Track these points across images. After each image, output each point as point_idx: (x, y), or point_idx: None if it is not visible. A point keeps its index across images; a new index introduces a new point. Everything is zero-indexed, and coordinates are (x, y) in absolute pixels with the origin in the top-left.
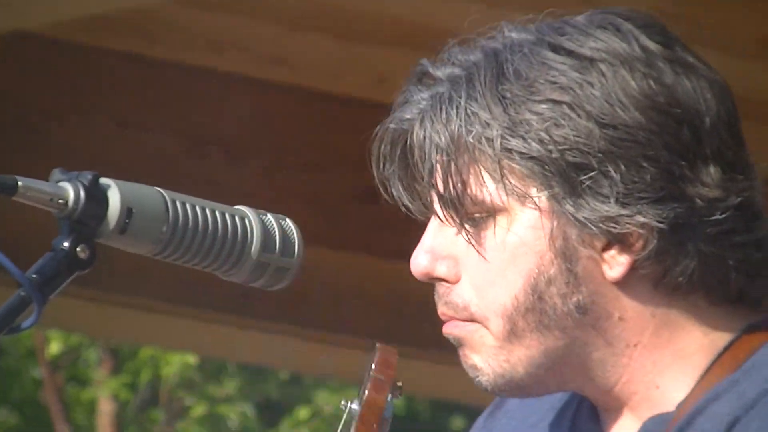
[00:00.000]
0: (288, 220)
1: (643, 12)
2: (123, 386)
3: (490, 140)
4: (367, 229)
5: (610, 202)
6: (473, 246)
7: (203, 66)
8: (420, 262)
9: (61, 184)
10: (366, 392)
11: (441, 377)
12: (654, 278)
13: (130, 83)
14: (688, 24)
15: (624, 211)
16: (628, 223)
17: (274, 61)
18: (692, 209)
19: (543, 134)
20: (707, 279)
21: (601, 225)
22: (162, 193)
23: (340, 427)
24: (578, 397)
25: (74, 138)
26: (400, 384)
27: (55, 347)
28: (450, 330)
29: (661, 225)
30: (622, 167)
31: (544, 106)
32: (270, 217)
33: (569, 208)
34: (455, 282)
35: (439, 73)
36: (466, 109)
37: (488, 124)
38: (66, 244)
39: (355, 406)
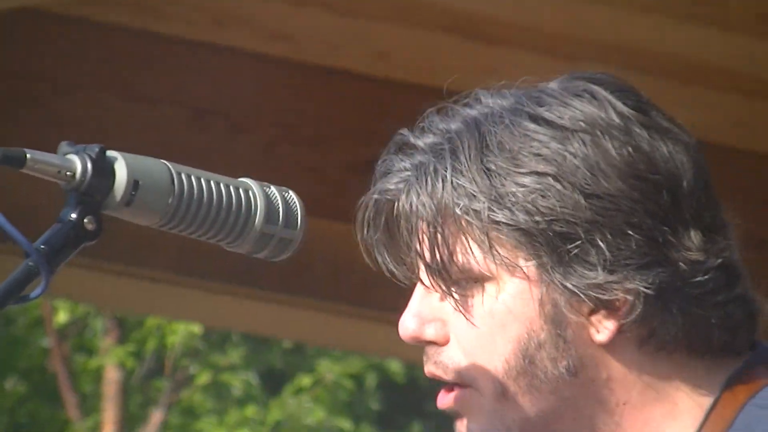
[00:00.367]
0: (291, 192)
1: (614, 76)
2: (129, 355)
3: (477, 212)
4: None
5: (597, 270)
6: (461, 312)
7: (207, 41)
8: (408, 326)
9: (68, 156)
10: None
11: None
12: (639, 339)
13: (136, 58)
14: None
15: (611, 278)
16: (615, 289)
17: (277, 36)
18: (676, 273)
19: (529, 206)
20: (691, 338)
21: (589, 292)
22: (168, 166)
23: None
24: None
25: (81, 112)
26: None
27: (62, 317)
28: (445, 403)
29: (647, 290)
30: (608, 235)
31: (529, 178)
32: (273, 190)
33: (558, 276)
34: (444, 344)
35: (420, 142)
36: (452, 182)
37: (475, 197)
38: (73, 215)
39: None
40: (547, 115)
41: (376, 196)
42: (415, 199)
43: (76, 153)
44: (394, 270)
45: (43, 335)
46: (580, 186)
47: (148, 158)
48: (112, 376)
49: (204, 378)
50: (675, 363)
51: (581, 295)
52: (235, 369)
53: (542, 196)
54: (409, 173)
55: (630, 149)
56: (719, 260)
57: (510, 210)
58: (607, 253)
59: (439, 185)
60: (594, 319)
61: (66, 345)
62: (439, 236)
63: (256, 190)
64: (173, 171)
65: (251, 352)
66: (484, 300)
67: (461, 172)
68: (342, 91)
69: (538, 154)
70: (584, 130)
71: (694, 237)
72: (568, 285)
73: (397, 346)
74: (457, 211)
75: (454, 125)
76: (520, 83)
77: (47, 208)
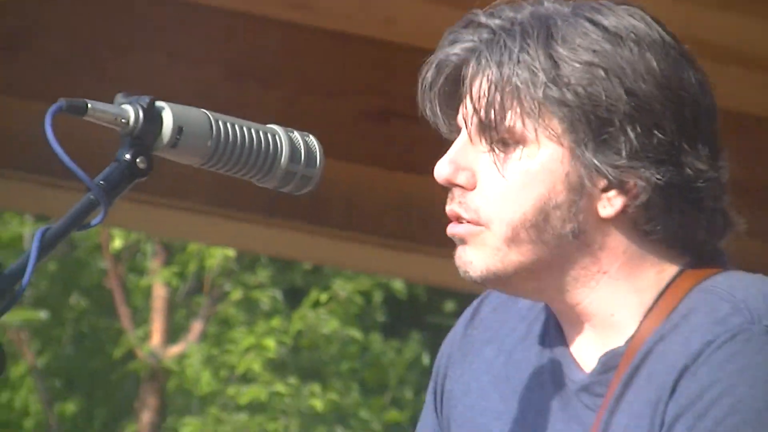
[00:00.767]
0: (311, 136)
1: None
2: (173, 275)
3: (535, 85)
4: (377, 145)
5: (621, 154)
6: (497, 164)
7: (238, 10)
8: (444, 169)
9: (123, 106)
10: None
11: (437, 267)
12: (635, 222)
13: (178, 23)
14: None
15: (631, 164)
16: (632, 173)
17: (298, 5)
18: (683, 175)
19: (580, 89)
20: (678, 232)
21: (610, 169)
22: (207, 114)
23: None
24: (545, 314)
25: (133, 69)
26: None
27: (117, 242)
28: (454, 230)
29: (658, 181)
30: (638, 128)
31: (583, 67)
32: (296, 134)
33: (589, 152)
34: (471, 189)
35: (491, 22)
36: (518, 57)
37: (536, 73)
38: (127, 156)
39: None
40: (605, 21)
41: (441, 56)
42: (484, 62)
43: (130, 103)
44: (442, 123)
45: (101, 258)
46: (623, 83)
47: (191, 108)
48: (159, 293)
49: (237, 294)
50: (656, 249)
51: (604, 170)
52: (263, 287)
53: (592, 83)
54: (477, 44)
55: (667, 65)
56: (716, 174)
57: (563, 90)
58: (635, 142)
59: (506, 56)
60: (606, 195)
61: (121, 266)
62: (498, 98)
63: (281, 135)
64: (212, 118)
65: (277, 272)
66: (522, 157)
67: (527, 52)
68: (354, 52)
69: (594, 50)
70: (633, 41)
71: (702, 150)
72: (595, 161)
73: (400, 269)
74: (518, 81)
75: (521, 15)
76: None
77: (104, 152)
